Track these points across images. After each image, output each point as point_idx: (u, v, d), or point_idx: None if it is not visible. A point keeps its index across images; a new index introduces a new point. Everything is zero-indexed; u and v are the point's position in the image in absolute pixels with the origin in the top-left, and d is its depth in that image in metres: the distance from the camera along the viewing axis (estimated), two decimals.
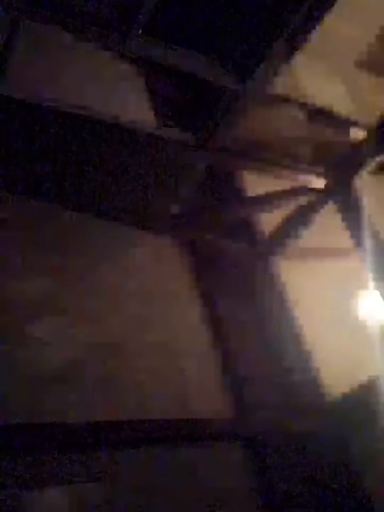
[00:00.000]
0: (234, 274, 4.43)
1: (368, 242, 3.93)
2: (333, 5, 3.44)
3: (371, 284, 4.05)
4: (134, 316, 3.70)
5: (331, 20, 3.61)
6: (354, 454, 3.63)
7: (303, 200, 4.42)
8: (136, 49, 3.37)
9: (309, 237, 4.61)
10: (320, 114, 4.00)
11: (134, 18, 3.25)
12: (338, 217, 4.18)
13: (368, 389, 3.76)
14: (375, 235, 3.97)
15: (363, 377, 3.89)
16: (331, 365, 4.17)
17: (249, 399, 3.75)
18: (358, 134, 4.10)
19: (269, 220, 4.66)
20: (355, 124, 4.03)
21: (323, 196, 4.34)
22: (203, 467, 3.28)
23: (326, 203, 4.32)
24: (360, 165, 4.07)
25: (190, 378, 3.61)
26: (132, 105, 3.79)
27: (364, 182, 4.21)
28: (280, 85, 3.87)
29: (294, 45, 3.62)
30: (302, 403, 3.92)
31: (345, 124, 4.06)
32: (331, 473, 3.63)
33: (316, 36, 3.73)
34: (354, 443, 3.66)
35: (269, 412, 3.77)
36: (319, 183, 4.31)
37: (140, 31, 3.33)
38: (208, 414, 3.53)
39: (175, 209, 4.20)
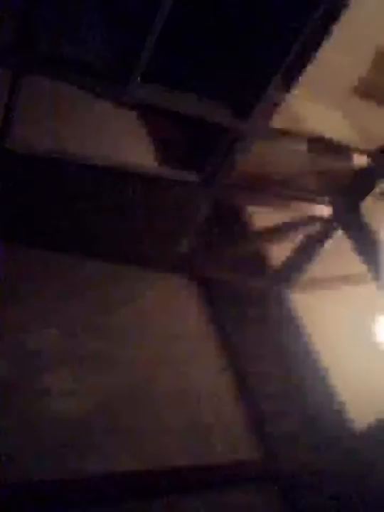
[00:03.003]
0: (248, 308, 4.41)
1: (382, 266, 3.91)
2: (327, 38, 3.50)
3: None
4: (150, 358, 3.66)
5: (324, 51, 3.66)
6: None
7: (312, 229, 4.43)
8: (136, 96, 3.42)
9: (322, 265, 4.60)
10: (321, 144, 4.04)
11: (132, 65, 3.31)
12: (349, 243, 4.17)
13: None
14: None
15: None
16: (353, 392, 4.11)
17: (273, 437, 3.68)
18: (360, 160, 4.12)
19: (279, 252, 4.65)
20: (357, 150, 4.06)
21: (331, 224, 4.35)
22: None
23: (334, 230, 4.33)
24: (366, 190, 4.08)
25: (211, 420, 3.55)
26: (134, 149, 3.83)
27: (374, 208, 4.22)
28: (280, 119, 3.91)
29: (290, 79, 3.67)
30: (327, 436, 3.85)
31: (348, 151, 4.09)
32: (364, 508, 3.53)
33: (311, 67, 3.78)
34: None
35: (295, 450, 3.70)
36: (327, 211, 4.32)
37: (139, 78, 3.39)
38: (233, 456, 3.46)
39: (184, 247, 4.20)
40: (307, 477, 3.55)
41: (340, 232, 4.30)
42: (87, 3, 3.73)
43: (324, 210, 4.31)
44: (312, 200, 4.25)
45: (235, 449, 3.50)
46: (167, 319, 3.94)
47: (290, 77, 3.64)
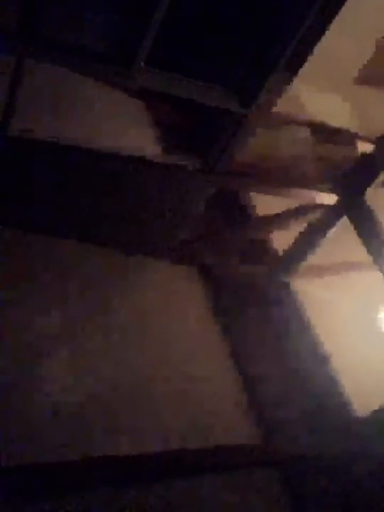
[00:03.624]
0: (250, 296, 4.41)
1: None
2: (329, 25, 3.48)
3: None
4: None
5: (327, 38, 3.64)
6: None
7: (315, 217, 4.42)
8: (139, 81, 3.41)
9: (326, 253, 4.59)
10: (324, 131, 4.02)
11: (135, 50, 3.29)
12: (353, 231, 4.17)
13: None
14: None
15: None
16: (356, 381, 4.12)
17: (274, 422, 3.68)
18: (364, 147, 4.11)
19: (282, 239, 4.65)
20: (360, 137, 4.05)
21: (335, 212, 4.34)
22: (231, 497, 3.22)
23: (338, 218, 4.32)
24: (370, 177, 4.07)
25: (211, 405, 3.56)
26: (136, 135, 3.82)
27: (377, 195, 4.22)
28: (283, 106, 3.89)
29: (294, 65, 3.65)
30: (329, 423, 3.86)
31: (351, 138, 4.07)
32: (366, 494, 3.54)
33: (314, 55, 3.76)
34: None
35: (296, 435, 3.70)
36: (330, 199, 4.31)
37: (142, 63, 3.37)
38: (233, 441, 3.48)
39: (185, 234, 4.20)
40: (308, 462, 3.56)
41: (343, 220, 4.30)
42: None
43: (328, 198, 4.30)
44: (315, 188, 4.24)
45: (234, 433, 3.52)
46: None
47: (293, 64, 3.62)
